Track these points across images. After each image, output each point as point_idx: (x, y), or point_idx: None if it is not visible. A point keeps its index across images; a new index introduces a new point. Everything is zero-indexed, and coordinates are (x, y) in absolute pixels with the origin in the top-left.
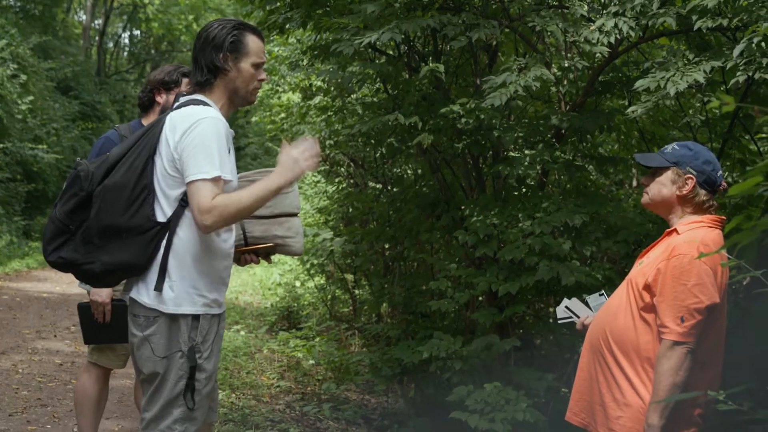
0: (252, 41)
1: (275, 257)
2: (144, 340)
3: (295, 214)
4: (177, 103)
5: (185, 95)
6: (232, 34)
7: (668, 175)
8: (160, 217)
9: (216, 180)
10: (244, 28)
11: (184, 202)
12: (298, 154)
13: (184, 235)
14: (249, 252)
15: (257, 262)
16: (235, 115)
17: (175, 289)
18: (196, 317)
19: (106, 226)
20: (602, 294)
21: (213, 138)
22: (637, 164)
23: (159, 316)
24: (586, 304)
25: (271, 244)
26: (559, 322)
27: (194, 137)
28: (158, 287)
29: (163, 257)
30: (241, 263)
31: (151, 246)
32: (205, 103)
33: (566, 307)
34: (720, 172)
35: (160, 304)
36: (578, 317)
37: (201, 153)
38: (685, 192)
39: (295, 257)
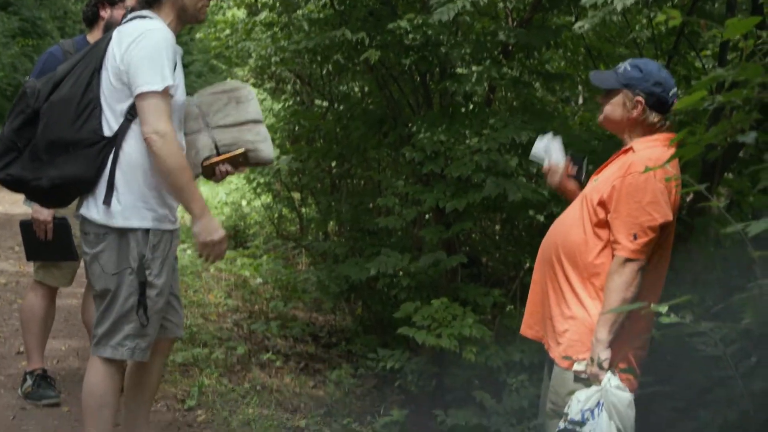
0: None
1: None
2: (94, 258)
3: (259, 121)
4: (125, 20)
5: (133, 11)
6: None
7: (620, 97)
8: (107, 132)
9: (165, 91)
10: None
11: (130, 115)
12: (215, 238)
13: (131, 149)
14: (223, 162)
15: (232, 173)
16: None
17: (122, 202)
18: (146, 232)
19: (53, 141)
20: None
21: (161, 48)
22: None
23: (108, 233)
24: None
25: (242, 150)
26: (530, 158)
27: (141, 48)
28: (107, 201)
29: (111, 171)
30: (217, 177)
31: (99, 160)
32: (152, 19)
33: (545, 144)
34: (673, 90)
35: (109, 219)
36: (549, 161)
37: (148, 64)
38: (635, 115)
39: (241, 174)
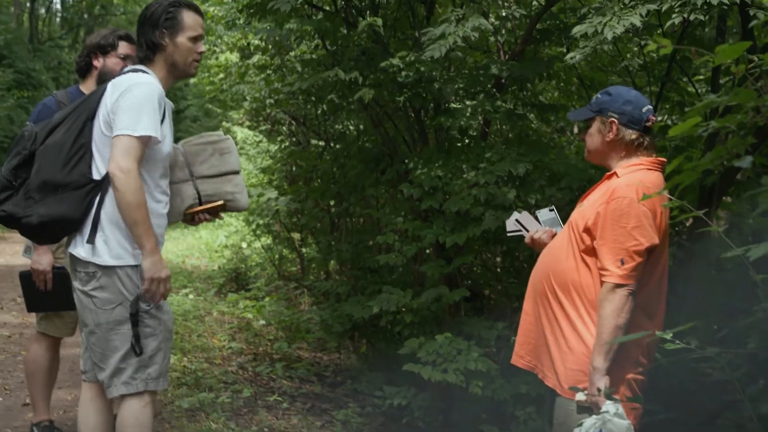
0: (188, 16)
1: (221, 220)
2: (86, 294)
3: (237, 172)
4: (120, 73)
5: (131, 66)
6: (167, 11)
7: (595, 125)
8: (95, 175)
9: (141, 139)
10: (179, 5)
11: None
12: (162, 275)
13: None
14: (203, 211)
15: (210, 220)
16: None
17: (109, 243)
18: (134, 267)
19: (45, 181)
20: (552, 209)
21: (146, 100)
22: None
23: (97, 271)
24: (537, 219)
25: (222, 202)
26: (509, 235)
27: (128, 98)
28: (90, 240)
29: (96, 212)
30: (196, 222)
31: (86, 201)
32: (145, 72)
33: (516, 220)
34: (646, 107)
35: (96, 257)
36: (528, 231)
37: (131, 112)
38: (611, 137)
39: (240, 217)
